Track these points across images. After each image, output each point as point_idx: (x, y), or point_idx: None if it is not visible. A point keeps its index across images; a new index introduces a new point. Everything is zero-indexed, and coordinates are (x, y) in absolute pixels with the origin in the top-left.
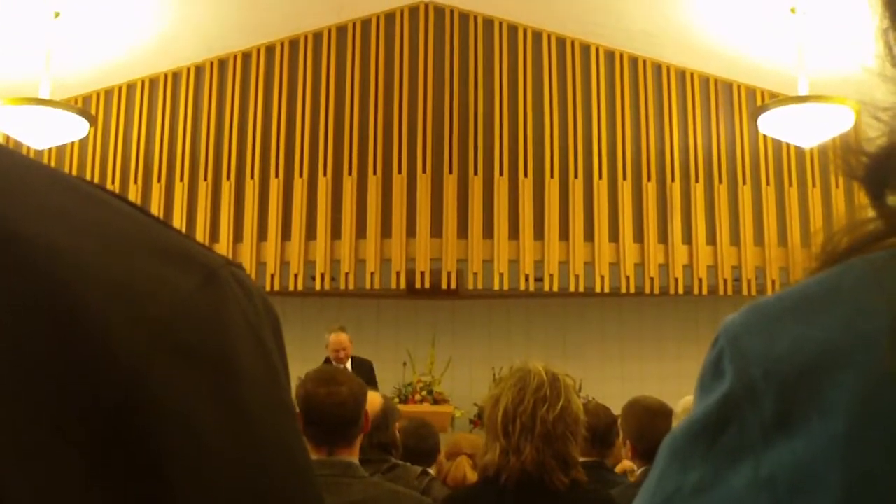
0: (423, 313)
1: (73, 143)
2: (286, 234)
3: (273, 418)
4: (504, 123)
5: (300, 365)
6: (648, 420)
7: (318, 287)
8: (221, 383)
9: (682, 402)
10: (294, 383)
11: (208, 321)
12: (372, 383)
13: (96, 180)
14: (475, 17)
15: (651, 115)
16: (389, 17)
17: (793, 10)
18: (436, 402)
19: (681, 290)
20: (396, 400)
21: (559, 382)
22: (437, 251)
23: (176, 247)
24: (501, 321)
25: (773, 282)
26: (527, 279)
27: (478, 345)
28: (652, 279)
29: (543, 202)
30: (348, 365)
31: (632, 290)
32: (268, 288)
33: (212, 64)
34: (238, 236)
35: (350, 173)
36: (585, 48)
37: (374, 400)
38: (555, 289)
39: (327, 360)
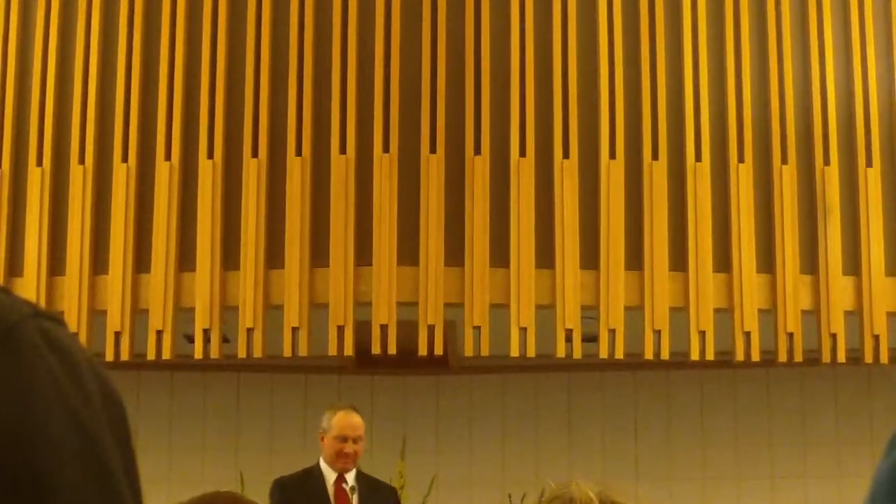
0: (385, 399)
1: None
2: (141, 259)
3: None
4: (528, 65)
5: (165, 488)
6: None
7: (198, 354)
8: None
9: None
10: None
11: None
12: None
13: None
14: None
15: (788, 44)
16: None
17: None
18: None
19: (841, 357)
20: None
21: None
22: (410, 289)
23: None
24: (524, 412)
25: None
26: (569, 337)
27: (482, 455)
28: (791, 336)
29: (598, 202)
30: (351, 477)
31: (755, 356)
32: (109, 355)
33: None
34: (56, 266)
35: (255, 154)
36: None
37: None
38: (618, 355)
39: (308, 471)
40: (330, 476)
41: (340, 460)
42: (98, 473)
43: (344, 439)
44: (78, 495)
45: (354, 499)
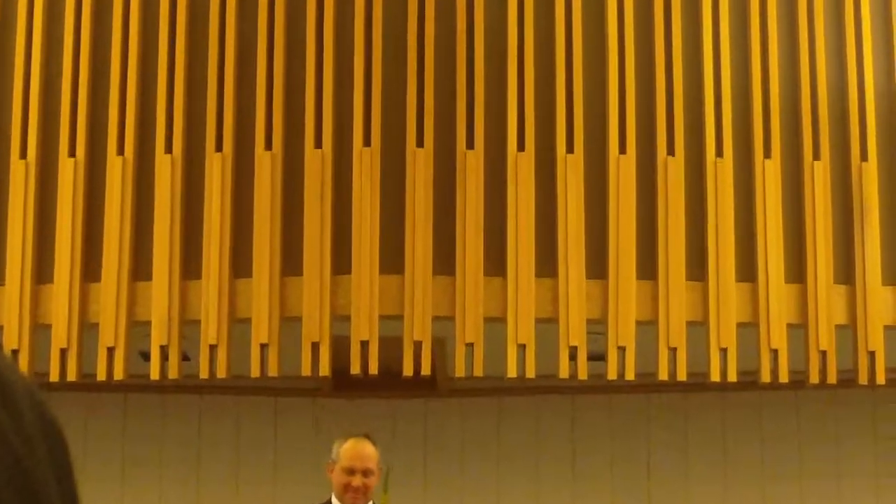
0: (366, 425)
1: None
2: (89, 267)
3: None
4: (527, 47)
5: None
6: None
7: (154, 374)
8: None
9: None
10: None
11: None
12: None
13: None
14: None
15: (821, 24)
16: None
17: None
18: None
19: (881, 378)
20: None
21: None
22: (394, 301)
23: None
24: (522, 440)
25: None
26: (573, 356)
27: (475, 488)
28: (823, 354)
29: (606, 202)
30: None
31: (783, 377)
32: (54, 375)
33: None
34: None
35: (219, 148)
36: None
37: None
38: (629, 375)
39: None
40: None
41: (349, 495)
42: None
43: (351, 471)
44: None
45: None
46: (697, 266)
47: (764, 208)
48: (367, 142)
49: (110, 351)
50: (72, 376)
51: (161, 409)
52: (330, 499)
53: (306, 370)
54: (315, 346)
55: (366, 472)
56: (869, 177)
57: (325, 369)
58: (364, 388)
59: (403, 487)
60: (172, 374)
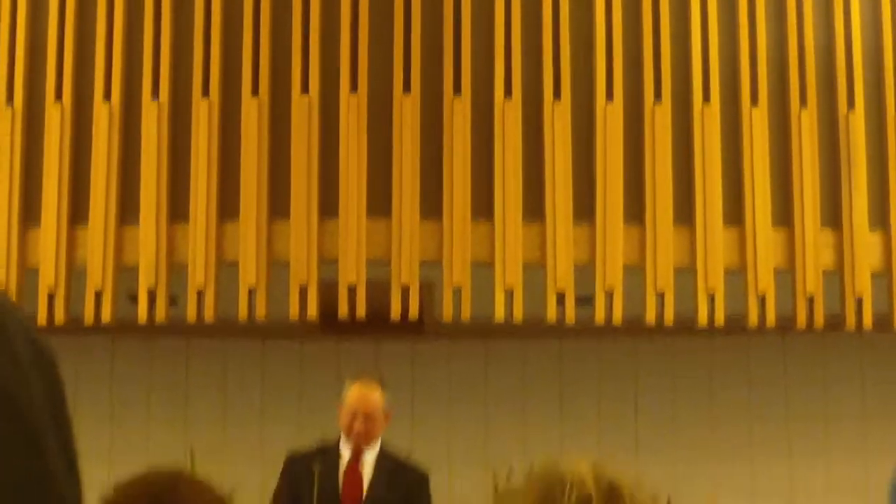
0: (354, 368)
1: None
2: (77, 211)
3: None
4: None
5: (107, 464)
6: None
7: (142, 317)
8: None
9: None
10: None
11: None
12: None
13: None
14: None
15: None
16: None
17: None
18: None
19: (868, 323)
20: None
21: (621, 500)
22: (382, 245)
23: None
24: (509, 383)
25: None
26: (560, 300)
27: (463, 429)
28: (811, 299)
29: (593, 148)
30: (369, 458)
31: (770, 322)
32: (42, 319)
33: None
34: None
35: (206, 93)
36: None
37: None
38: (616, 320)
39: (324, 446)
40: (346, 454)
41: (352, 437)
42: (27, 454)
43: (354, 415)
44: (3, 477)
45: (367, 484)
46: (685, 211)
47: (751, 154)
48: (353, 87)
49: (98, 295)
50: (59, 320)
51: (149, 353)
52: (339, 437)
53: (294, 314)
54: (302, 290)
55: (368, 418)
56: (856, 124)
57: (312, 312)
58: (351, 331)
59: (390, 429)
60: (160, 317)
